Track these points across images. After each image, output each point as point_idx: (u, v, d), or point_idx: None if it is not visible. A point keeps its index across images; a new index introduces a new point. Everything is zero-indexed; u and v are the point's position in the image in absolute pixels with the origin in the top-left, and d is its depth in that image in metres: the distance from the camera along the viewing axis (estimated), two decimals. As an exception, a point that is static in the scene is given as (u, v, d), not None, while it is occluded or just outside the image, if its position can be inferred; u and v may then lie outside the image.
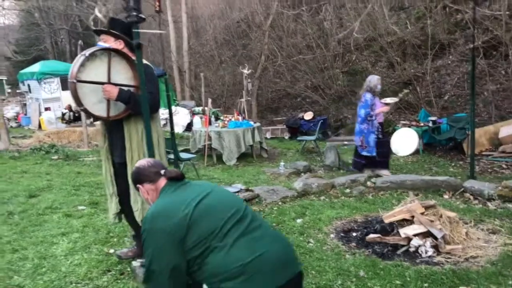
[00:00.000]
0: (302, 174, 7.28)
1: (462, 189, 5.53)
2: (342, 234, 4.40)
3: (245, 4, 20.15)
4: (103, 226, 4.72)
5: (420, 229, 4.00)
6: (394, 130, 9.76)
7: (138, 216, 3.47)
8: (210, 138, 8.94)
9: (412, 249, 3.87)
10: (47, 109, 16.68)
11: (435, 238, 3.86)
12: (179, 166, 6.90)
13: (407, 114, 11.82)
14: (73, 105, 16.02)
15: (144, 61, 3.36)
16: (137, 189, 2.41)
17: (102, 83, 3.24)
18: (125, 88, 3.34)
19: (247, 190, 5.75)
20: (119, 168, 3.53)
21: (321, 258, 3.76)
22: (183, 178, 2.34)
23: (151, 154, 3.26)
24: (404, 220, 4.19)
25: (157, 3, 3.68)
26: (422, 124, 9.64)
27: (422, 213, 4.12)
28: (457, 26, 12.77)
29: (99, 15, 3.54)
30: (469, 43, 11.76)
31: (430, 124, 9.49)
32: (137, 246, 3.77)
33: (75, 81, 3.13)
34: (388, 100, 7.41)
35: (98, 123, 11.43)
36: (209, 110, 10.05)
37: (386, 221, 4.23)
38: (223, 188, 2.43)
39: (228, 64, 19.93)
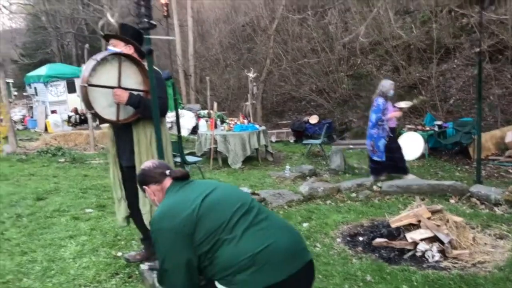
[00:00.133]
0: (308, 178, 7.29)
1: (469, 193, 5.52)
2: (348, 239, 4.41)
3: (250, 8, 20.22)
4: (110, 229, 4.74)
5: (427, 233, 4.00)
6: (400, 134, 9.75)
7: (146, 219, 3.50)
8: (215, 141, 8.97)
9: (418, 254, 3.87)
10: (53, 112, 16.79)
11: (442, 243, 3.86)
12: (185, 169, 6.92)
13: (412, 118, 11.80)
14: (80, 108, 16.14)
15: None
16: (143, 190, 2.42)
17: (113, 88, 3.28)
18: (135, 93, 3.38)
19: (253, 193, 5.76)
20: (127, 172, 3.56)
21: (328, 263, 3.77)
22: (188, 178, 2.36)
23: (160, 158, 3.29)
24: (410, 224, 4.18)
25: (165, 8, 3.71)
26: (427, 128, 9.63)
27: (429, 218, 4.12)
28: (462, 30, 12.76)
29: (112, 20, 3.56)
30: (474, 47, 11.76)
31: (436, 129, 9.47)
32: (145, 250, 3.80)
33: (86, 85, 3.17)
34: (402, 104, 7.38)
35: (104, 126, 11.46)
36: (215, 113, 10.08)
37: (393, 225, 4.23)
38: (228, 184, 2.45)
39: (233, 67, 19.98)
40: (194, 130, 13.31)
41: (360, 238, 4.37)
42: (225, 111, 16.87)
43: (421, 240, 3.96)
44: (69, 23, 29.89)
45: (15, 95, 27.95)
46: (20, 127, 17.49)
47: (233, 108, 17.83)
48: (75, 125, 15.90)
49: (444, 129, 9.58)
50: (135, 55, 3.46)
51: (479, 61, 6.07)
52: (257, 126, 9.82)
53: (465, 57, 12.29)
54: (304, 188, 6.06)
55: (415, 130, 9.56)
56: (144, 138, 3.46)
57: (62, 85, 17.09)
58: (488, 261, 3.69)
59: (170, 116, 11.25)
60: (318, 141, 10.17)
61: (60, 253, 4.09)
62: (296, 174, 7.47)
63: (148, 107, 3.33)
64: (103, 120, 3.39)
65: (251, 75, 11.59)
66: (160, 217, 2.12)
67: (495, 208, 5.09)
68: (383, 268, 3.60)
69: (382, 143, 6.80)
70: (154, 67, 3.44)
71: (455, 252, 3.81)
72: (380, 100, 6.73)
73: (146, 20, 2.62)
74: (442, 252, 3.81)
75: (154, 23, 2.67)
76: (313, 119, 12.91)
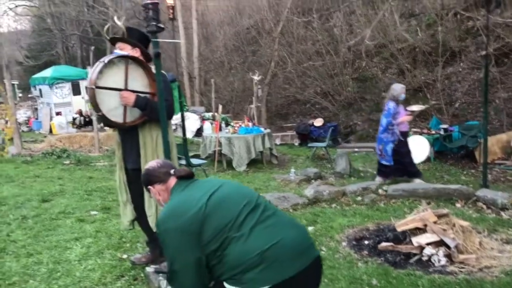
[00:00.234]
0: (313, 181, 7.27)
1: (475, 198, 5.48)
2: (354, 242, 4.39)
3: (254, 11, 20.26)
4: (115, 231, 4.74)
5: (433, 238, 3.97)
6: (405, 137, 9.73)
7: (151, 222, 3.50)
8: (220, 144, 8.97)
9: (424, 258, 3.84)
10: (58, 113, 16.86)
11: (448, 247, 3.84)
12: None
13: (418, 122, 11.77)
14: (84, 110, 16.20)
15: (157, 68, 3.42)
16: (148, 190, 2.40)
17: (120, 90, 3.29)
18: (141, 95, 3.38)
19: (258, 196, 5.75)
20: (133, 175, 3.56)
21: (333, 266, 3.75)
22: (192, 177, 2.34)
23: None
24: (416, 228, 4.16)
25: (171, 11, 3.72)
26: (433, 132, 9.60)
27: (435, 222, 4.10)
28: (468, 33, 12.74)
29: (119, 23, 3.56)
30: (480, 50, 11.73)
31: (442, 132, 9.44)
32: (150, 252, 3.80)
33: (94, 87, 3.17)
34: (414, 107, 7.36)
35: (108, 128, 11.46)
36: (219, 116, 10.08)
37: (399, 229, 4.21)
38: (233, 181, 2.44)
39: (238, 70, 20.01)
40: (199, 133, 13.33)
41: (366, 242, 4.35)
42: (230, 113, 16.89)
43: (427, 244, 3.93)
44: (74, 25, 30.07)
45: (20, 97, 28.07)
46: (24, 128, 17.56)
47: (238, 111, 17.85)
48: (79, 127, 15.95)
49: (450, 132, 9.55)
50: (142, 58, 3.47)
51: (486, 64, 6.04)
52: (262, 129, 9.82)
53: (471, 60, 12.27)
54: (309, 191, 6.05)
55: (421, 133, 9.54)
56: (150, 140, 3.47)
57: (67, 87, 17.17)
58: (494, 266, 3.66)
59: (175, 119, 11.27)
60: (323, 144, 10.15)
61: (66, 255, 4.09)
62: (301, 177, 7.45)
63: (154, 109, 3.33)
64: (110, 123, 3.39)
65: (256, 77, 11.58)
66: (166, 218, 2.11)
67: (502, 213, 5.06)
68: (389, 272, 3.58)
69: (390, 147, 6.78)
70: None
71: (461, 256, 3.79)
72: (391, 104, 6.70)
73: (154, 23, 2.62)
74: (448, 256, 3.79)
75: (162, 26, 2.67)
76: (318, 122, 12.90)
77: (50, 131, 15.94)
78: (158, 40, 2.69)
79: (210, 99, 16.49)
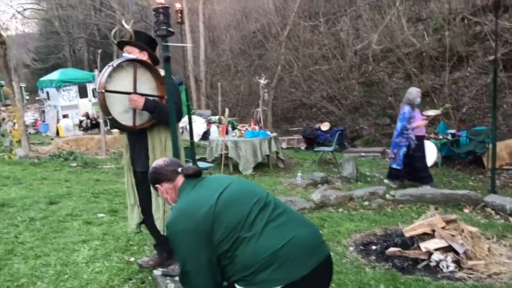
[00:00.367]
0: (320, 185, 7.26)
1: (483, 203, 5.46)
2: (361, 247, 4.37)
3: (261, 15, 20.30)
4: (122, 234, 4.75)
5: (441, 243, 3.95)
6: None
7: (159, 225, 3.50)
8: (226, 147, 8.98)
9: (433, 264, 3.82)
10: (65, 116, 16.94)
11: (457, 253, 3.82)
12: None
13: (425, 126, 11.73)
14: (91, 112, 16.28)
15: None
16: (156, 189, 2.38)
17: (129, 93, 3.30)
18: (150, 98, 3.40)
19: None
20: (142, 177, 3.56)
21: (340, 271, 3.73)
22: (200, 175, 2.30)
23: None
24: (424, 234, 4.14)
25: (179, 15, 3.73)
26: (441, 137, 9.55)
27: (443, 228, 4.08)
28: (476, 38, 12.69)
29: (127, 27, 3.57)
30: (488, 55, 11.68)
31: (449, 137, 9.40)
32: (158, 255, 3.80)
33: (103, 91, 3.19)
34: (430, 112, 7.34)
35: (115, 130, 11.52)
36: (226, 119, 10.10)
37: (407, 234, 4.19)
38: (241, 178, 2.42)
39: (244, 73, 20.05)
40: (205, 136, 13.35)
41: (373, 247, 4.34)
42: (236, 117, 16.91)
43: (436, 250, 3.91)
44: (81, 28, 30.26)
45: (27, 99, 28.27)
46: (32, 131, 17.67)
47: (244, 114, 17.87)
48: (86, 129, 16.02)
49: (457, 137, 9.51)
50: (149, 61, 3.49)
51: (494, 69, 6.00)
52: (268, 132, 9.82)
53: (478, 65, 12.22)
54: (316, 195, 6.04)
55: (428, 138, 9.49)
56: (159, 143, 3.48)
57: (74, 89, 17.26)
58: (504, 272, 3.64)
59: (182, 122, 11.29)
60: (330, 149, 10.13)
61: (73, 258, 4.10)
62: (307, 181, 7.44)
63: (163, 112, 3.35)
64: (120, 126, 3.40)
65: (262, 81, 11.60)
66: (176, 219, 2.08)
67: (511, 219, 5.03)
68: (397, 278, 3.56)
69: (403, 151, 6.77)
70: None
71: (470, 262, 3.76)
72: (406, 108, 6.68)
73: (164, 27, 2.64)
74: (457, 262, 3.77)
75: (172, 30, 2.68)
76: (325, 126, 12.88)
77: (57, 133, 16.03)
78: (168, 43, 2.70)
79: (216, 102, 16.51)
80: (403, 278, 3.56)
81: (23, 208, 5.83)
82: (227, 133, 9.73)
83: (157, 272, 3.54)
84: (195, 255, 2.01)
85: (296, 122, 16.67)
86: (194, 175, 2.28)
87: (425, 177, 6.93)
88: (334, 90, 15.41)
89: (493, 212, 5.27)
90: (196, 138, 13.35)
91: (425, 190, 6.16)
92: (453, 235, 3.98)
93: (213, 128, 13.39)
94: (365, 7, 15.51)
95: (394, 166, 6.93)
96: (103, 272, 3.77)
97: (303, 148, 12.85)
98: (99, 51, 13.44)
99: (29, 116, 19.64)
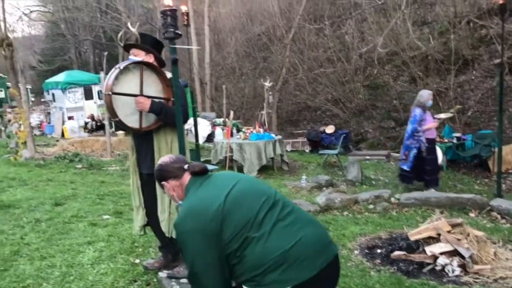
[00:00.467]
0: (324, 188, 7.25)
1: (489, 207, 5.43)
2: (366, 251, 4.36)
3: (266, 18, 20.35)
4: (127, 236, 4.75)
5: (447, 247, 3.93)
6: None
7: (164, 227, 3.50)
8: (231, 150, 8.98)
9: (438, 268, 3.80)
10: (70, 118, 17.02)
11: (463, 257, 3.80)
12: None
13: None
14: (96, 114, 16.34)
15: (170, 74, 3.44)
16: (162, 186, 2.35)
17: (135, 95, 3.31)
18: (156, 100, 3.41)
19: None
20: (147, 179, 3.57)
21: (345, 275, 3.72)
22: (207, 172, 2.26)
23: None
24: (430, 237, 4.12)
25: (185, 17, 3.74)
26: (446, 140, 9.52)
27: (449, 231, 4.06)
28: (481, 42, 12.66)
29: (133, 30, 3.60)
30: (493, 58, 11.65)
31: (455, 141, 9.36)
32: (163, 257, 3.80)
33: (110, 93, 3.20)
34: (443, 115, 7.32)
35: (120, 132, 11.53)
36: (230, 121, 10.11)
37: (412, 238, 4.17)
38: (249, 176, 2.40)
39: (249, 76, 20.08)
40: (209, 138, 13.37)
41: (378, 251, 4.32)
42: (240, 119, 16.93)
43: (441, 254, 3.89)
44: (87, 30, 30.44)
45: (32, 101, 28.42)
46: (37, 132, 17.75)
47: (248, 117, 17.89)
48: (91, 131, 16.09)
49: (462, 141, 9.47)
50: (156, 64, 3.50)
51: (501, 73, 5.99)
52: (273, 135, 9.82)
53: (484, 69, 12.19)
54: (321, 198, 6.03)
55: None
56: (165, 145, 3.49)
57: (79, 91, 17.34)
58: (510, 277, 3.61)
59: (187, 124, 11.31)
60: (335, 152, 10.11)
61: (79, 259, 4.10)
62: (312, 184, 7.43)
63: (169, 114, 3.35)
64: (126, 128, 3.41)
65: (267, 84, 11.61)
66: (184, 219, 2.06)
67: (517, 223, 5.00)
68: (402, 282, 3.55)
69: (413, 153, 6.75)
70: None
71: (476, 267, 3.74)
72: (418, 111, 6.66)
73: (172, 30, 2.65)
74: (462, 266, 3.75)
75: (180, 32, 2.69)
76: (330, 129, 12.87)
77: (62, 135, 16.10)
78: (176, 46, 2.71)
79: (221, 105, 16.56)
80: (408, 282, 3.54)
81: (29, 209, 5.84)
82: (232, 135, 9.74)
83: (162, 274, 3.54)
84: (204, 255, 1.99)
85: (301, 124, 16.67)
86: (201, 172, 2.25)
87: (431, 180, 6.90)
88: (339, 93, 15.41)
89: (499, 216, 5.24)
90: (200, 140, 13.37)
91: (430, 193, 6.14)
92: (459, 239, 3.96)
93: (218, 131, 13.41)
94: (370, 10, 15.51)
95: (403, 167, 6.92)
96: (108, 273, 3.77)
97: (307, 151, 12.84)
98: (105, 53, 13.51)
99: (35, 118, 19.76)
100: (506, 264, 3.87)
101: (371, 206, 5.85)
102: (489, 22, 11.71)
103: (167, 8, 2.64)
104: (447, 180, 8.12)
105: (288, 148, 12.79)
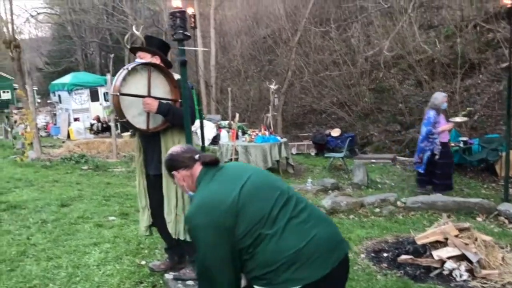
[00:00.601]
0: (330, 191, 7.22)
1: (496, 212, 5.39)
2: (373, 254, 4.33)
3: (272, 20, 20.37)
4: (133, 237, 4.75)
5: (455, 252, 3.91)
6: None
7: (171, 228, 3.49)
8: (237, 152, 8.98)
9: (445, 272, 3.78)
10: (76, 119, 17.09)
11: (470, 262, 3.77)
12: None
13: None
14: (102, 116, 16.39)
15: (177, 76, 3.44)
16: (172, 176, 2.31)
17: (143, 96, 3.32)
18: (164, 101, 3.41)
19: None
20: (154, 180, 3.57)
21: (352, 278, 3.70)
22: (218, 163, 2.22)
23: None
24: (437, 242, 4.09)
25: (193, 20, 3.74)
26: (452, 144, 9.45)
27: (456, 236, 4.03)
28: (488, 45, 12.61)
29: (137, 33, 3.61)
30: (500, 62, 11.59)
31: (461, 145, 9.31)
32: (169, 259, 3.80)
33: (118, 94, 3.21)
34: (458, 119, 7.28)
35: (126, 134, 11.55)
36: (236, 124, 10.12)
37: (419, 242, 4.15)
38: (261, 169, 2.37)
39: (254, 79, 20.10)
40: (215, 141, 13.38)
41: (385, 254, 4.30)
42: (245, 122, 16.94)
43: (448, 258, 3.87)
44: (93, 32, 30.62)
45: (38, 102, 28.58)
46: (43, 134, 17.82)
47: (253, 120, 17.90)
48: (97, 133, 16.14)
49: (469, 145, 9.41)
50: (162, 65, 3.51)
51: (509, 77, 5.93)
52: (278, 138, 9.81)
53: (491, 73, 12.13)
54: (326, 202, 6.01)
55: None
56: (172, 146, 3.48)
57: (85, 93, 17.43)
58: (518, 282, 3.59)
59: (192, 126, 11.32)
60: (340, 155, 10.09)
61: (85, 260, 4.11)
62: (318, 187, 7.40)
63: (176, 115, 3.35)
64: (134, 129, 3.42)
65: (273, 87, 11.62)
66: (196, 212, 2.01)
67: (524, 228, 4.97)
68: (409, 286, 3.54)
69: (427, 155, 6.71)
70: (179, 76, 3.47)
71: (484, 272, 3.71)
72: (432, 113, 6.63)
73: (181, 31, 2.65)
74: (470, 271, 3.72)
75: (189, 34, 2.69)
76: (335, 132, 12.84)
77: (68, 136, 16.16)
78: (184, 48, 2.71)
79: (226, 107, 16.56)
80: (415, 286, 3.53)
81: (35, 210, 5.86)
82: (237, 138, 9.74)
83: (169, 276, 3.54)
84: (216, 250, 1.96)
85: (306, 127, 16.65)
86: (212, 163, 2.20)
87: (440, 184, 6.84)
88: (345, 96, 15.39)
89: (506, 221, 5.21)
90: (206, 143, 13.39)
91: (437, 197, 6.10)
92: (466, 244, 3.93)
93: (223, 133, 13.40)
94: (376, 13, 15.49)
95: (420, 170, 6.89)
96: (114, 275, 3.77)
97: (313, 154, 12.81)
98: (112, 55, 13.54)
99: (41, 119, 19.85)
100: (514, 269, 3.84)
101: (377, 210, 5.82)
102: (496, 26, 11.66)
103: (177, 10, 2.64)
104: (453, 184, 8.06)
105: (294, 151, 12.76)
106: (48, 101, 23.08)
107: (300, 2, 17.73)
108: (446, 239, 4.04)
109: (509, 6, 5.67)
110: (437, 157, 6.71)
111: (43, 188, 7.32)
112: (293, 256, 1.90)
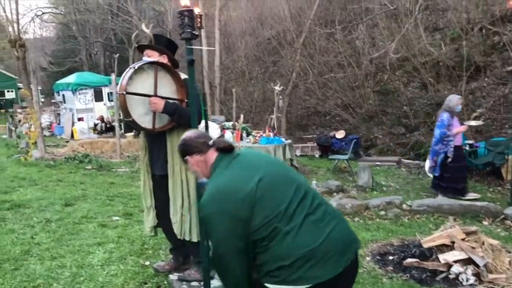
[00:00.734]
0: (335, 193, 7.18)
1: (503, 216, 5.36)
2: (378, 257, 4.31)
3: (276, 22, 20.36)
4: (137, 237, 4.74)
5: (461, 255, 3.88)
6: (426, 152, 9.56)
7: (177, 229, 3.47)
8: (241, 154, 8.94)
9: (452, 276, 3.75)
10: (80, 119, 17.11)
11: (477, 266, 3.74)
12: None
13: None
14: (105, 116, 16.40)
15: (184, 75, 3.42)
16: (185, 161, 2.27)
17: (149, 96, 3.30)
18: (170, 101, 3.39)
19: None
20: (160, 181, 3.55)
21: (357, 281, 3.64)
22: (233, 150, 2.18)
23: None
24: (443, 245, 4.07)
25: (199, 20, 3.73)
26: (460, 148, 9.40)
27: (463, 239, 4.00)
28: (494, 48, 12.55)
29: (147, 31, 3.60)
30: (506, 65, 11.55)
31: (467, 148, 9.24)
32: (173, 260, 3.78)
33: (124, 93, 3.19)
34: (473, 123, 7.22)
35: (129, 134, 11.53)
36: (240, 125, 10.09)
37: (425, 245, 4.12)
38: (275, 157, 2.34)
39: (258, 80, 20.08)
40: (219, 141, 13.33)
41: (390, 257, 4.27)
42: (249, 123, 16.91)
43: (455, 262, 3.84)
44: (98, 32, 30.67)
45: (42, 102, 28.61)
46: (47, 133, 17.83)
47: (257, 121, 17.86)
48: (100, 133, 16.15)
49: (475, 148, 9.35)
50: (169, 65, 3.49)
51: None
52: (283, 139, 9.78)
53: (496, 76, 12.08)
54: (331, 204, 5.97)
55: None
56: (178, 146, 3.46)
57: (89, 93, 17.43)
58: (525, 287, 3.55)
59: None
60: (345, 157, 10.05)
61: (89, 260, 4.10)
62: (322, 189, 7.37)
63: (183, 115, 3.33)
64: (140, 128, 3.40)
65: (277, 88, 11.59)
66: (212, 199, 1.99)
67: (531, 232, 4.93)
68: (415, 290, 3.51)
69: (440, 157, 6.65)
70: (186, 76, 3.46)
71: (491, 276, 3.68)
72: (445, 115, 6.57)
73: (189, 30, 2.63)
74: (477, 275, 3.69)
75: (197, 33, 2.68)
76: (340, 134, 12.78)
77: (72, 136, 16.18)
78: (192, 47, 2.69)
79: (230, 108, 16.53)
80: (421, 290, 3.50)
81: (39, 209, 5.86)
82: (241, 139, 9.71)
83: (173, 276, 3.52)
84: (229, 239, 1.94)
85: (310, 129, 16.61)
86: (226, 150, 2.17)
87: (446, 187, 6.76)
88: (349, 98, 15.34)
89: (513, 225, 5.17)
90: (210, 143, 13.36)
91: (443, 200, 6.06)
92: (473, 247, 3.90)
93: (228, 134, 13.38)
94: (381, 15, 15.46)
95: (435, 174, 6.83)
96: (118, 275, 3.75)
97: (317, 155, 12.76)
98: (116, 55, 13.56)
99: (45, 119, 19.86)
100: (521, 273, 3.80)
101: (382, 213, 5.79)
102: (502, 28, 11.61)
103: (185, 9, 2.62)
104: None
105: (298, 152, 12.71)
106: (52, 101, 23.10)
107: (305, 4, 17.71)
108: (453, 242, 4.01)
109: (516, 8, 5.63)
110: (449, 159, 6.64)
111: (47, 188, 7.32)
112: (307, 254, 1.88)
